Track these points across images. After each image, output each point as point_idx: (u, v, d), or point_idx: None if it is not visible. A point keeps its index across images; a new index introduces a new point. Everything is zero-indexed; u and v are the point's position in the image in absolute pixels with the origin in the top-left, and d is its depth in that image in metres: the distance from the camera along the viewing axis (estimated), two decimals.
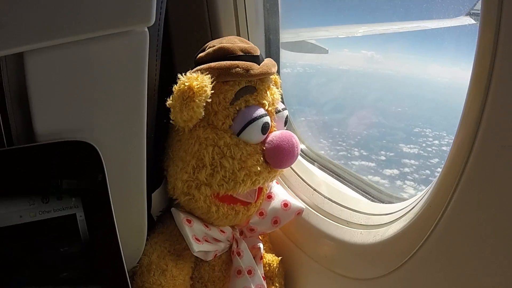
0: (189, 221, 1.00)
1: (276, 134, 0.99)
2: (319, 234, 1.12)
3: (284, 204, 1.14)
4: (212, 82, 0.89)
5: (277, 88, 1.08)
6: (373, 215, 1.05)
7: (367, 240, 0.98)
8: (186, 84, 0.87)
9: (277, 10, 1.32)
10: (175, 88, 0.89)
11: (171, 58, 1.20)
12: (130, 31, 0.75)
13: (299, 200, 1.21)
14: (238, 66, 0.93)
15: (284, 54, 1.41)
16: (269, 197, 1.15)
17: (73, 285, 0.81)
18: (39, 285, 0.79)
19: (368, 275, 0.98)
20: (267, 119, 0.97)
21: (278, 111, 1.03)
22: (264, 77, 1.00)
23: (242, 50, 0.97)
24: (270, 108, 1.00)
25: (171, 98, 0.89)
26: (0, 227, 0.75)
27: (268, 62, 1.01)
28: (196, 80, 0.87)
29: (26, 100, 0.73)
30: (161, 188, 1.16)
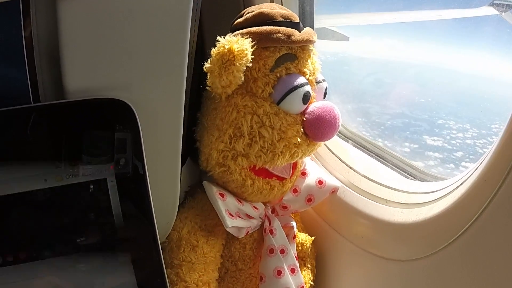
0: (222, 195, 0.96)
1: (317, 105, 0.94)
2: (356, 213, 1.07)
3: (319, 181, 1.10)
4: (252, 47, 0.85)
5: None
6: (414, 193, 1.00)
7: (409, 219, 0.93)
8: (226, 46, 0.82)
9: None
10: (214, 51, 0.84)
11: (200, 27, 1.15)
12: None
13: (334, 178, 1.16)
14: (279, 32, 0.89)
15: None
16: (303, 173, 1.11)
17: (99, 251, 0.77)
18: (64, 251, 0.75)
19: (410, 255, 0.92)
20: (308, 88, 0.92)
21: (318, 82, 0.99)
22: (305, 45, 0.95)
23: (282, 16, 0.92)
24: (311, 78, 0.95)
25: (209, 61, 0.85)
26: (23, 192, 0.70)
27: (308, 30, 0.96)
28: (237, 43, 0.83)
29: (56, 53, 0.68)
30: (188, 163, 1.12)
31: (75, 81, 0.71)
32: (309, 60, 0.96)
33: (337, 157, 1.20)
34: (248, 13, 0.94)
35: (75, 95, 0.71)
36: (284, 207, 1.10)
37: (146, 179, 0.75)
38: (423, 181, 1.08)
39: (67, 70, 0.69)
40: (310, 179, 1.10)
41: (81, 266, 0.76)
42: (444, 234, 0.82)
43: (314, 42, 0.97)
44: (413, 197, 0.98)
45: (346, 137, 1.30)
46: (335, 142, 1.23)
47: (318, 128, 0.92)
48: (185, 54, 0.77)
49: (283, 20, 0.92)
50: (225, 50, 0.82)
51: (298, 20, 0.94)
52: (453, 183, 0.89)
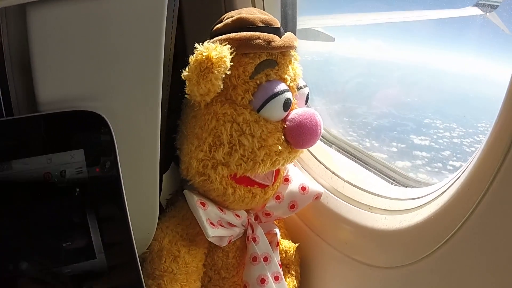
0: (203, 204, 0.94)
1: (298, 111, 0.92)
2: (339, 219, 1.06)
3: (302, 187, 1.09)
4: (231, 54, 0.83)
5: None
6: (398, 199, 0.99)
7: (392, 226, 0.92)
8: (204, 54, 0.80)
9: None
10: (192, 58, 0.82)
11: (182, 32, 1.13)
12: None
13: (318, 184, 1.15)
14: (259, 38, 0.87)
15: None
16: (286, 180, 1.09)
17: (74, 263, 0.74)
18: (38, 264, 0.72)
19: (394, 262, 0.91)
20: (289, 94, 0.91)
21: (299, 88, 0.97)
22: (285, 51, 0.94)
23: (262, 22, 0.90)
24: (292, 84, 0.94)
25: (187, 69, 0.83)
26: None
27: (289, 35, 0.94)
28: (215, 50, 0.81)
29: (28, 64, 0.66)
30: (170, 171, 1.10)
31: (47, 92, 0.68)
32: (290, 66, 0.94)
33: (321, 163, 1.18)
34: (228, 18, 0.92)
35: (48, 106, 0.69)
36: (267, 214, 1.08)
37: (122, 191, 0.73)
38: (407, 187, 1.07)
39: (38, 80, 0.67)
40: (293, 186, 1.09)
41: (55, 277, 0.73)
42: (425, 243, 0.82)
43: (295, 47, 0.96)
44: (397, 204, 0.97)
45: (329, 142, 1.29)
46: (318, 147, 1.22)
47: (299, 136, 0.91)
48: (160, 62, 0.74)
49: (263, 25, 0.90)
50: (203, 57, 0.80)
51: (278, 25, 0.93)
52: (438, 189, 0.88)
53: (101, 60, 0.70)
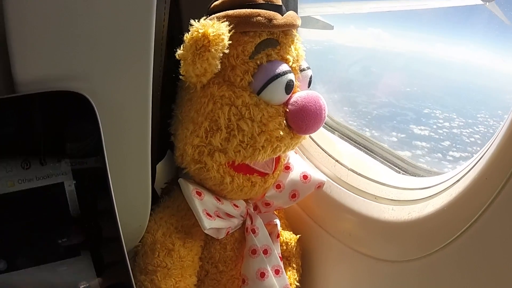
0: (199, 194, 0.88)
1: (301, 94, 0.86)
2: (343, 209, 1.01)
3: (303, 176, 1.03)
4: (230, 31, 0.77)
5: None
6: (405, 189, 0.94)
7: (400, 217, 0.86)
8: (201, 31, 0.74)
9: None
10: (187, 36, 0.76)
11: (178, 10, 1.07)
12: None
13: (320, 172, 1.09)
14: (259, 15, 0.81)
15: None
16: (287, 168, 1.03)
17: (60, 259, 0.68)
18: (23, 260, 0.66)
19: (402, 256, 0.86)
20: (292, 76, 0.85)
21: (302, 70, 0.91)
22: (288, 30, 0.88)
23: None
24: (294, 65, 0.88)
25: (182, 47, 0.76)
26: None
27: (291, 13, 0.88)
28: (212, 27, 0.74)
29: (3, 41, 0.60)
30: (166, 159, 1.04)
31: (26, 71, 0.62)
32: (292, 46, 0.88)
33: (323, 150, 1.13)
34: None
35: (26, 86, 0.62)
36: (267, 204, 1.03)
37: (108, 181, 0.66)
38: (414, 176, 1.02)
39: (16, 59, 0.60)
40: (294, 174, 1.03)
41: (41, 273, 0.67)
42: (439, 235, 0.76)
43: (298, 26, 0.90)
44: (404, 193, 0.92)
45: (332, 128, 1.24)
46: (320, 134, 1.16)
47: (302, 120, 0.85)
48: (151, 39, 0.68)
49: (263, 2, 0.84)
50: (199, 35, 0.74)
51: (280, 3, 0.87)
52: (448, 179, 0.83)
53: (85, 37, 0.63)
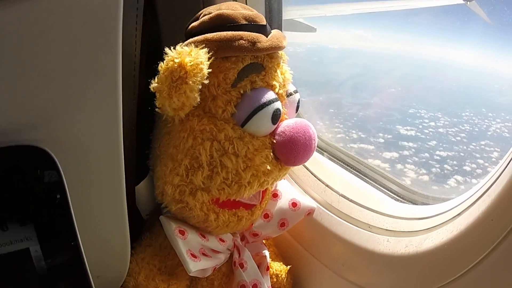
0: (182, 232, 0.82)
1: (289, 123, 0.80)
2: (335, 238, 0.96)
3: (292, 203, 0.97)
4: (209, 58, 0.70)
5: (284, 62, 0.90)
6: (401, 218, 0.88)
7: (397, 250, 0.81)
8: (177, 60, 0.67)
9: None
10: (162, 66, 0.69)
11: (157, 32, 1.00)
12: None
13: (310, 198, 1.03)
14: (242, 38, 0.74)
15: None
16: (275, 195, 0.98)
17: None
18: None
19: None
20: (278, 104, 0.78)
21: (289, 94, 0.84)
22: (273, 52, 0.81)
23: (245, 18, 0.77)
24: (281, 91, 0.81)
25: (156, 79, 0.69)
26: None
27: (277, 34, 0.82)
28: (189, 56, 0.68)
29: None
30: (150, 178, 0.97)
31: None
32: (278, 70, 0.82)
33: (312, 174, 1.07)
34: (205, 15, 0.79)
35: None
36: (255, 234, 0.97)
37: (78, 239, 0.60)
38: (409, 201, 0.96)
39: None
40: (283, 202, 0.97)
41: None
42: (438, 273, 0.72)
43: (284, 47, 0.83)
44: (400, 223, 0.87)
45: (321, 149, 1.18)
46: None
47: (291, 152, 0.79)
48: (117, 72, 0.60)
49: (246, 23, 0.77)
50: (175, 65, 0.67)
51: (264, 22, 0.80)
52: (447, 211, 0.78)
53: (43, 77, 0.56)
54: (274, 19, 1.13)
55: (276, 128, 0.80)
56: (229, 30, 0.75)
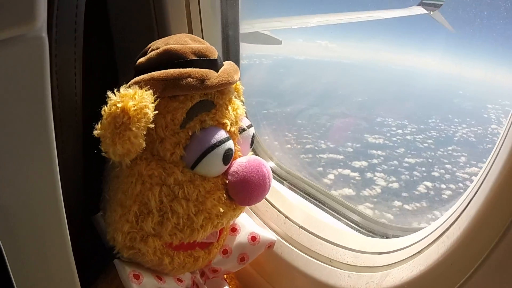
0: (137, 277, 0.78)
1: (242, 162, 0.77)
2: (296, 272, 0.94)
3: (252, 237, 0.94)
4: (155, 100, 0.67)
5: (240, 98, 0.87)
6: (363, 252, 0.87)
7: (357, 287, 0.79)
8: (119, 105, 0.64)
9: (236, 4, 1.10)
10: (105, 110, 0.65)
11: (113, 65, 0.96)
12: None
13: (270, 230, 1.01)
14: (190, 76, 0.71)
15: (241, 45, 1.21)
16: (234, 230, 0.95)
17: None
18: None
19: None
20: (230, 144, 0.75)
21: (242, 130, 0.81)
22: (224, 88, 0.78)
23: (195, 53, 0.74)
24: (233, 129, 0.78)
25: (99, 125, 0.65)
26: None
27: (228, 67, 0.79)
28: (133, 99, 0.64)
29: None
30: None
31: None
32: (230, 107, 0.79)
33: (272, 205, 1.04)
34: (153, 50, 0.76)
35: None
36: (215, 271, 0.94)
37: None
38: (370, 232, 0.95)
39: None
40: (242, 236, 0.94)
41: None
42: None
43: (235, 82, 0.80)
44: (361, 258, 0.85)
45: (280, 178, 1.15)
46: None
47: (244, 193, 0.76)
48: (48, 128, 0.56)
49: (196, 58, 0.74)
50: (118, 110, 0.63)
51: (215, 56, 0.77)
52: (409, 246, 0.76)
53: None
54: (231, 46, 1.10)
55: (229, 168, 0.77)
56: (177, 67, 0.72)
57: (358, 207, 1.03)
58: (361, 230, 0.97)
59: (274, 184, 1.10)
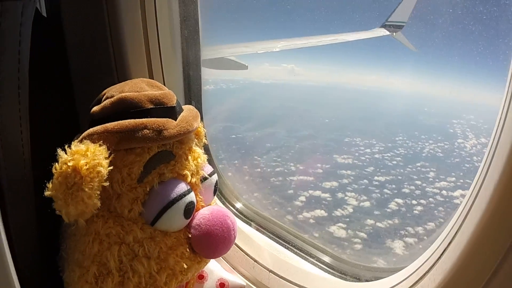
0: None
1: (205, 214, 0.74)
2: None
3: (220, 284, 0.92)
4: (109, 155, 0.63)
5: (201, 143, 0.84)
6: None
7: None
8: (70, 164, 0.59)
9: (197, 38, 1.07)
10: (55, 169, 0.60)
11: (74, 112, 0.92)
12: None
13: (238, 275, 0.98)
14: (146, 127, 0.68)
15: (207, 71, 1.19)
16: (201, 277, 0.91)
17: None
18: None
19: None
20: (191, 197, 0.72)
21: (204, 179, 0.78)
22: (184, 137, 0.75)
23: (151, 101, 0.72)
24: (194, 180, 0.75)
25: (50, 184, 0.61)
26: None
27: (187, 114, 0.76)
28: (85, 157, 0.60)
29: None
30: None
31: None
32: (190, 156, 0.76)
33: (240, 249, 1.01)
34: (107, 98, 0.73)
35: None
36: None
37: None
38: (340, 274, 0.92)
39: None
40: (210, 283, 0.91)
41: None
42: None
43: (195, 129, 0.77)
44: None
45: (248, 219, 1.12)
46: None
47: (208, 247, 0.73)
48: None
49: (152, 106, 0.71)
50: (69, 169, 0.59)
51: (173, 102, 0.74)
52: None
53: None
54: (193, 88, 1.07)
55: (192, 220, 0.74)
56: (132, 116, 0.69)
57: (327, 248, 1.00)
58: (333, 272, 0.94)
59: (242, 226, 1.07)
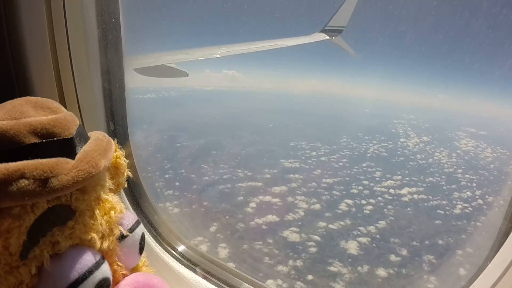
0: None
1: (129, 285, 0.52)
2: None
3: None
4: None
5: (122, 179, 0.62)
6: None
7: None
8: None
9: (119, 40, 0.84)
10: None
11: None
12: None
13: None
14: (23, 175, 0.44)
15: (147, 79, 1.02)
16: None
17: None
18: None
19: None
20: (103, 271, 0.49)
21: (123, 236, 0.55)
22: (85, 184, 0.51)
23: (35, 132, 0.48)
24: (105, 244, 0.52)
25: None
26: None
27: (92, 148, 0.53)
28: None
29: None
30: None
31: None
32: (97, 210, 0.52)
33: None
34: None
35: None
36: None
37: None
38: None
39: None
40: None
41: None
42: None
43: (102, 170, 0.53)
44: None
45: (192, 264, 0.91)
46: (176, 276, 0.84)
47: None
48: None
49: (36, 141, 0.47)
50: None
51: (71, 132, 0.51)
52: None
53: None
54: (114, 101, 0.83)
55: None
56: (6, 157, 0.45)
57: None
58: None
59: (185, 273, 0.87)
